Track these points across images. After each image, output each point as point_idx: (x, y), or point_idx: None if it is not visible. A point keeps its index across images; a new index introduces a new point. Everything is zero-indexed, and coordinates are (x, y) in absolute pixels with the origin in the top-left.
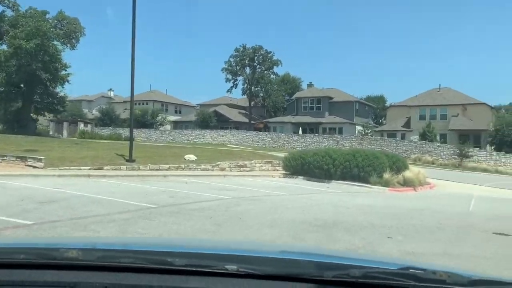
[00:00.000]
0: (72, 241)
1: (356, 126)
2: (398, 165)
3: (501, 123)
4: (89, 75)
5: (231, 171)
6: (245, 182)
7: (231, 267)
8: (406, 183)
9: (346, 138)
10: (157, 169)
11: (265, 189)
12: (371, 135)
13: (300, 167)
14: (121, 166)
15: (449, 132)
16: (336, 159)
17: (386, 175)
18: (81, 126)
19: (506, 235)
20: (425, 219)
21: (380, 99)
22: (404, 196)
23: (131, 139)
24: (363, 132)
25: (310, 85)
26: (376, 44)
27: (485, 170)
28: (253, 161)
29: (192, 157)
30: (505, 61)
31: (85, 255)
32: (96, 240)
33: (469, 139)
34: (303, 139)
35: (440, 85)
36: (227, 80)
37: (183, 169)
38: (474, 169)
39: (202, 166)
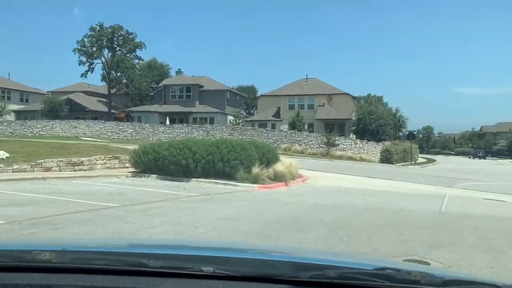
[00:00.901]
0: (46, 243)
1: (228, 116)
2: (268, 157)
3: (363, 112)
4: None
5: (60, 171)
6: (68, 188)
7: (207, 269)
8: (278, 177)
9: (216, 129)
10: None
11: (90, 200)
12: (242, 125)
13: (153, 163)
14: None
15: (316, 122)
16: (197, 152)
17: (255, 169)
18: None
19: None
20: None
21: (251, 89)
22: (275, 195)
23: None
24: (234, 122)
25: (179, 72)
26: (248, 33)
27: (351, 158)
28: (93, 157)
29: (1, 154)
30: (362, 56)
31: (58, 257)
32: (70, 241)
33: (334, 128)
34: (170, 130)
35: (307, 75)
36: (81, 63)
37: None
38: (341, 157)
39: (16, 167)
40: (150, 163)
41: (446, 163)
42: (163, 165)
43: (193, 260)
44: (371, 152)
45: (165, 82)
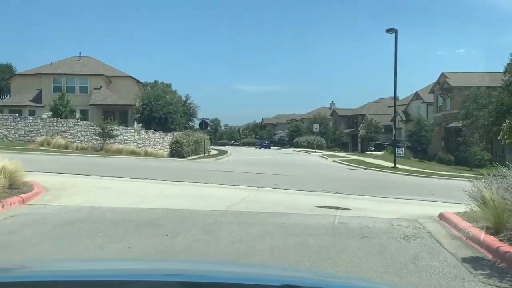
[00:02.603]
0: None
1: None
2: None
3: (148, 97)
4: None
5: None
6: None
7: None
8: None
9: None
10: None
11: None
12: None
13: None
14: None
15: (92, 108)
16: None
17: None
18: None
19: None
20: None
21: (7, 69)
22: None
23: None
24: None
25: None
26: None
27: (133, 153)
28: None
29: None
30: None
31: None
32: (14, 267)
33: (115, 116)
34: None
35: (80, 53)
36: None
37: None
38: (120, 152)
39: None
40: None
41: (238, 154)
42: None
43: (108, 286)
44: (159, 144)
45: None
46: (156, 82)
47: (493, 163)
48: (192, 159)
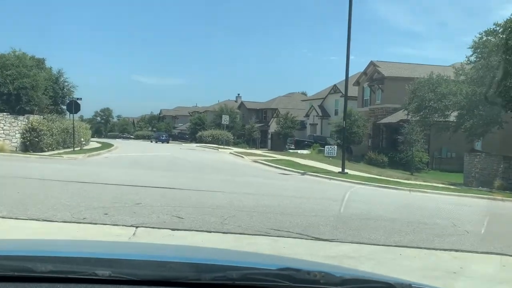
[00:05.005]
0: None
1: None
2: None
3: None
4: None
5: None
6: None
7: (103, 272)
8: None
9: None
10: None
11: None
12: None
13: None
14: None
15: None
16: None
17: None
18: None
19: None
20: None
21: None
22: None
23: None
24: None
25: None
26: None
27: None
28: None
29: None
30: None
31: None
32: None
33: None
34: None
35: None
36: None
37: None
38: None
39: None
40: None
41: (126, 149)
42: None
43: (86, 262)
44: (2, 131)
45: None
46: (24, 54)
47: (429, 166)
48: (49, 155)
